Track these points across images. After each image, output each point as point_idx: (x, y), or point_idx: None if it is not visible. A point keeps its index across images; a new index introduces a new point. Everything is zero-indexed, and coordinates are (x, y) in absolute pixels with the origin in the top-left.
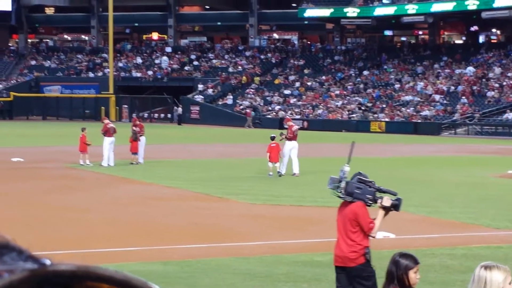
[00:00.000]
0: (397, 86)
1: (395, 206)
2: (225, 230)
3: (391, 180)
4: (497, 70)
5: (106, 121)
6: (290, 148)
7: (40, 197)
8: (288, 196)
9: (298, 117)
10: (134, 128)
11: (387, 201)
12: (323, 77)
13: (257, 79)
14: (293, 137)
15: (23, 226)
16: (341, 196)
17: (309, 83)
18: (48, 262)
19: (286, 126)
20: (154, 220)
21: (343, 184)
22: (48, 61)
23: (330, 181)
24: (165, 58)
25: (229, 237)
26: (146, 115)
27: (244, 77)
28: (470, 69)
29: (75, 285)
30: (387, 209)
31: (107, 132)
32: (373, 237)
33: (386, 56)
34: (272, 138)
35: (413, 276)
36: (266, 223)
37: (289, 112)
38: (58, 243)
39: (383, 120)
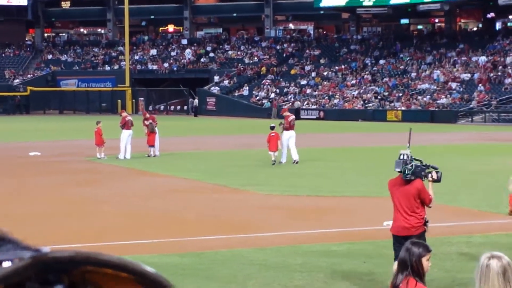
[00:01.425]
0: (413, 74)
1: (439, 179)
2: (242, 221)
3: None
4: None
5: (124, 114)
6: (288, 138)
7: (57, 190)
8: (305, 186)
9: (314, 107)
10: (145, 121)
11: (435, 175)
12: (339, 67)
13: (273, 69)
14: (289, 127)
15: (41, 220)
16: (408, 176)
17: (325, 73)
18: (47, 249)
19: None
20: (171, 212)
21: (410, 166)
22: (65, 55)
23: (397, 164)
24: (188, 50)
25: (245, 228)
26: (162, 107)
27: (263, 68)
28: (483, 58)
29: (76, 269)
30: (434, 182)
31: (126, 125)
32: (430, 207)
33: (402, 45)
34: (272, 128)
35: (426, 263)
36: (283, 214)
37: (305, 102)
38: (76, 236)
39: (399, 109)
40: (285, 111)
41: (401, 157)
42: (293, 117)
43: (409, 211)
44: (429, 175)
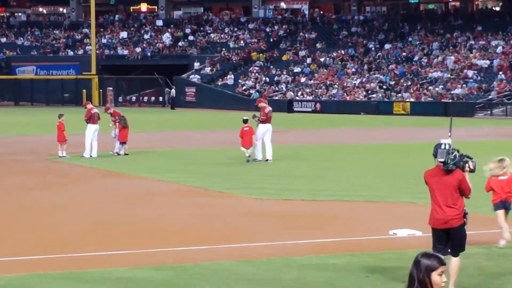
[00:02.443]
0: (424, 61)
1: (475, 169)
2: (227, 230)
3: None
4: None
5: (90, 106)
6: (264, 132)
7: (13, 195)
8: (300, 189)
9: (309, 98)
10: (112, 117)
11: (472, 165)
12: (338, 52)
13: (262, 55)
14: (266, 119)
15: None
16: (450, 167)
17: (322, 59)
18: None
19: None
20: (145, 219)
21: (452, 156)
22: (21, 38)
23: (440, 154)
24: (167, 35)
25: (231, 238)
26: (134, 98)
27: (254, 54)
28: (503, 43)
29: None
30: (470, 172)
31: (91, 119)
32: (469, 198)
33: (411, 27)
34: (245, 121)
35: (437, 278)
36: (274, 221)
37: (299, 92)
38: (36, 247)
39: (407, 100)
40: (260, 102)
41: (443, 146)
42: (270, 108)
43: (449, 203)
44: (466, 165)
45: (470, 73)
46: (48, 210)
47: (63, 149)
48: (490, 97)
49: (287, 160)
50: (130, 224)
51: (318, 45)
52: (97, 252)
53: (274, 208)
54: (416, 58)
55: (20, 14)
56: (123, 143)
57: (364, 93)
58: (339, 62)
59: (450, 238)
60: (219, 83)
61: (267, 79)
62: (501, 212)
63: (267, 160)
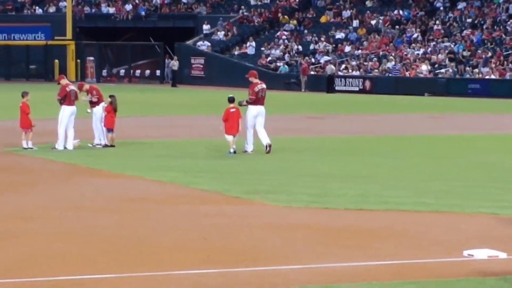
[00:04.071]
0: (510, 25)
1: None
2: (245, 248)
3: (502, 173)
4: None
5: (64, 81)
6: (255, 115)
7: None
8: (341, 194)
9: (356, 73)
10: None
11: None
12: (395, 13)
13: (292, 17)
14: (256, 100)
15: None
16: None
17: (373, 22)
18: None
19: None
20: (136, 233)
21: None
22: None
23: None
24: None
25: (252, 259)
26: (123, 72)
27: (279, 14)
28: None
29: None
30: None
31: (66, 98)
32: None
33: None
34: (231, 100)
35: None
36: (308, 237)
37: (343, 66)
38: None
39: (487, 77)
40: (252, 75)
41: None
42: (263, 86)
43: None
44: None
45: None
46: (8, 219)
47: (28, 138)
48: None
49: (323, 155)
50: (117, 239)
51: (368, 3)
52: (67, 275)
53: (308, 219)
54: (500, 21)
55: None
56: (110, 130)
57: (429, 67)
58: (396, 26)
59: None
60: (236, 53)
61: (300, 48)
62: None
63: (266, 148)
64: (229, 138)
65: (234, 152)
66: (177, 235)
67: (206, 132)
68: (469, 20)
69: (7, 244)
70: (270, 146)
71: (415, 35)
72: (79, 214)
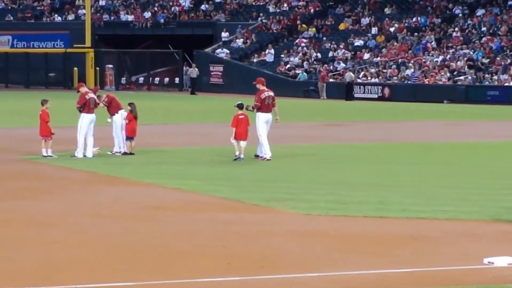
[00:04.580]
0: None
1: None
2: (266, 256)
3: None
4: None
5: (84, 89)
6: (265, 121)
7: None
8: (361, 202)
9: (375, 81)
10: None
11: None
12: (414, 20)
13: (311, 25)
14: (262, 107)
15: None
16: None
17: (391, 29)
18: None
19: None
20: (157, 241)
21: None
22: None
23: None
24: None
25: (272, 266)
26: (142, 79)
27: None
28: None
29: None
30: None
31: (86, 106)
32: None
33: None
34: (240, 107)
35: None
36: (328, 245)
37: (361, 73)
38: (8, 276)
39: (506, 84)
40: (259, 82)
41: None
42: (271, 93)
43: None
44: None
45: None
46: (28, 226)
47: (47, 146)
48: None
49: (342, 162)
50: (136, 247)
51: (387, 10)
52: (87, 283)
53: (327, 227)
54: None
55: None
56: (130, 138)
57: (448, 74)
58: (415, 33)
59: None
60: (255, 60)
61: (319, 55)
62: None
63: (262, 158)
64: (235, 143)
65: (240, 157)
66: (197, 242)
67: (225, 139)
68: (488, 27)
69: (27, 251)
70: (260, 157)
71: (433, 43)
72: (98, 221)
